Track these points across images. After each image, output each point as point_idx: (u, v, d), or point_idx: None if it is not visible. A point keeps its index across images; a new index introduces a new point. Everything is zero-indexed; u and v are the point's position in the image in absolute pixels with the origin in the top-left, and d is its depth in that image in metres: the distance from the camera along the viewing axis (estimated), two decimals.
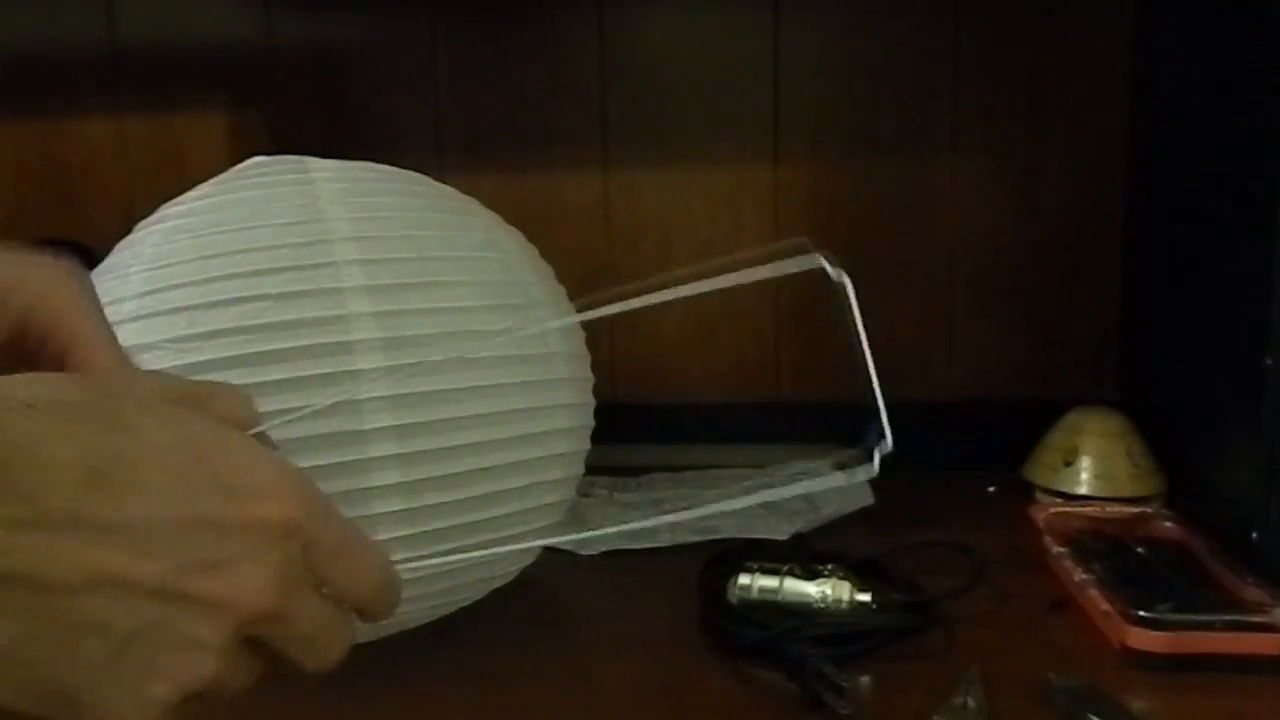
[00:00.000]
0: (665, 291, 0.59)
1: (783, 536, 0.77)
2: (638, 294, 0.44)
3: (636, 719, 0.56)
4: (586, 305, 0.59)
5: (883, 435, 0.47)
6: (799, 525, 0.80)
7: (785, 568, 0.66)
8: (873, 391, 0.46)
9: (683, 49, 1.00)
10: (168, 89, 1.04)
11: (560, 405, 0.61)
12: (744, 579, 0.65)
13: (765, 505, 0.86)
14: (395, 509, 0.54)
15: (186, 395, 0.34)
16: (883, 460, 0.47)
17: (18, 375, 0.30)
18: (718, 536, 0.79)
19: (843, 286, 0.51)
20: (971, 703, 0.54)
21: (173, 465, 0.30)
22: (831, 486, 0.43)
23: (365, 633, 0.61)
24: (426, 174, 0.67)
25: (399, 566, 0.36)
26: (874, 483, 0.87)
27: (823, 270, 0.44)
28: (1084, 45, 0.95)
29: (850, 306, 0.46)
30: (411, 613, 0.60)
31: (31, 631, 0.28)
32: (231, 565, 0.30)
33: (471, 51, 1.02)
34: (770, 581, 0.65)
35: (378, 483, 0.54)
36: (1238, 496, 0.72)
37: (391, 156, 1.11)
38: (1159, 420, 0.85)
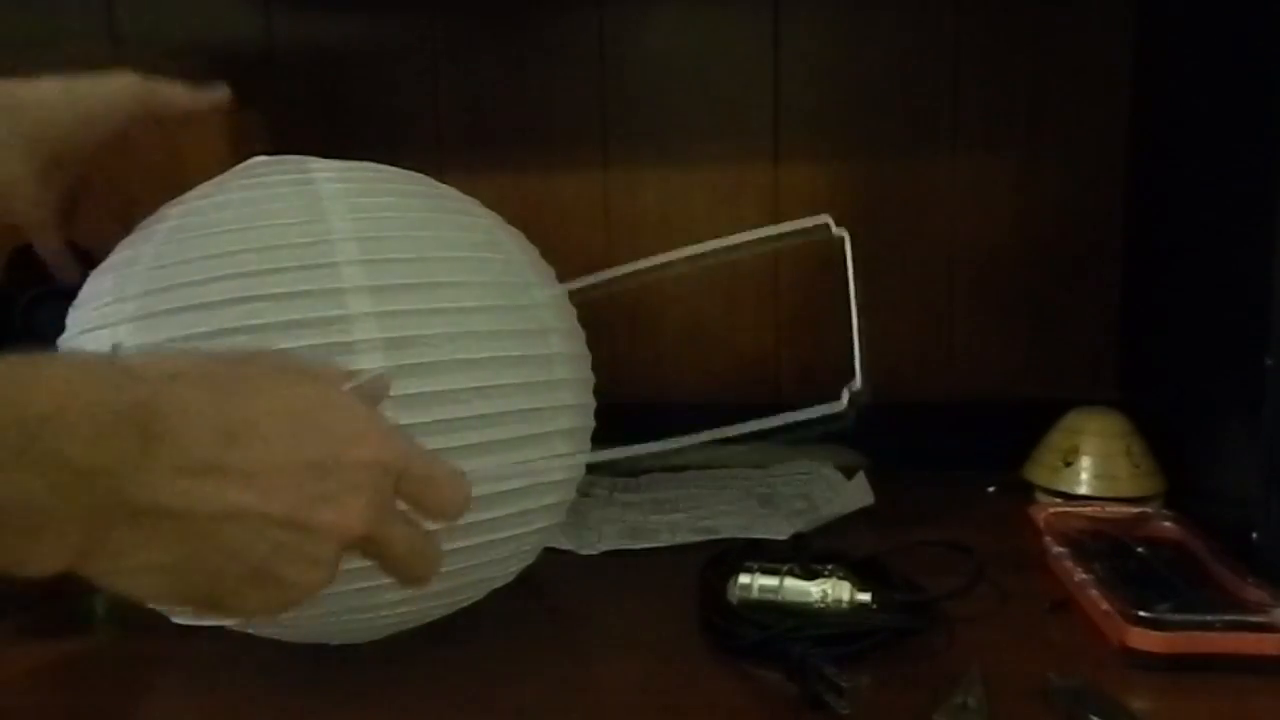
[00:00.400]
0: (673, 255, 0.60)
1: (783, 536, 0.77)
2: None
3: (636, 719, 0.57)
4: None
5: (853, 376, 0.49)
6: (799, 525, 0.80)
7: (785, 568, 0.66)
8: (854, 339, 0.49)
9: (683, 49, 1.00)
10: None
11: (562, 406, 0.61)
12: (744, 579, 0.65)
13: (765, 505, 0.86)
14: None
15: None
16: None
17: (161, 353, 0.40)
18: (718, 536, 0.79)
19: (841, 241, 0.52)
20: (971, 702, 0.54)
21: (288, 421, 0.38)
22: (801, 419, 0.45)
23: (365, 633, 0.61)
24: (426, 174, 0.67)
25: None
26: (874, 483, 0.87)
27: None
28: (1084, 45, 0.95)
29: (846, 261, 0.49)
30: (410, 613, 0.60)
31: (188, 555, 0.36)
32: (337, 499, 0.39)
33: (471, 51, 1.02)
34: (770, 581, 0.65)
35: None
36: (1238, 496, 0.72)
37: (391, 156, 1.11)
38: (1159, 420, 0.85)
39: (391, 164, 0.67)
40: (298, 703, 0.59)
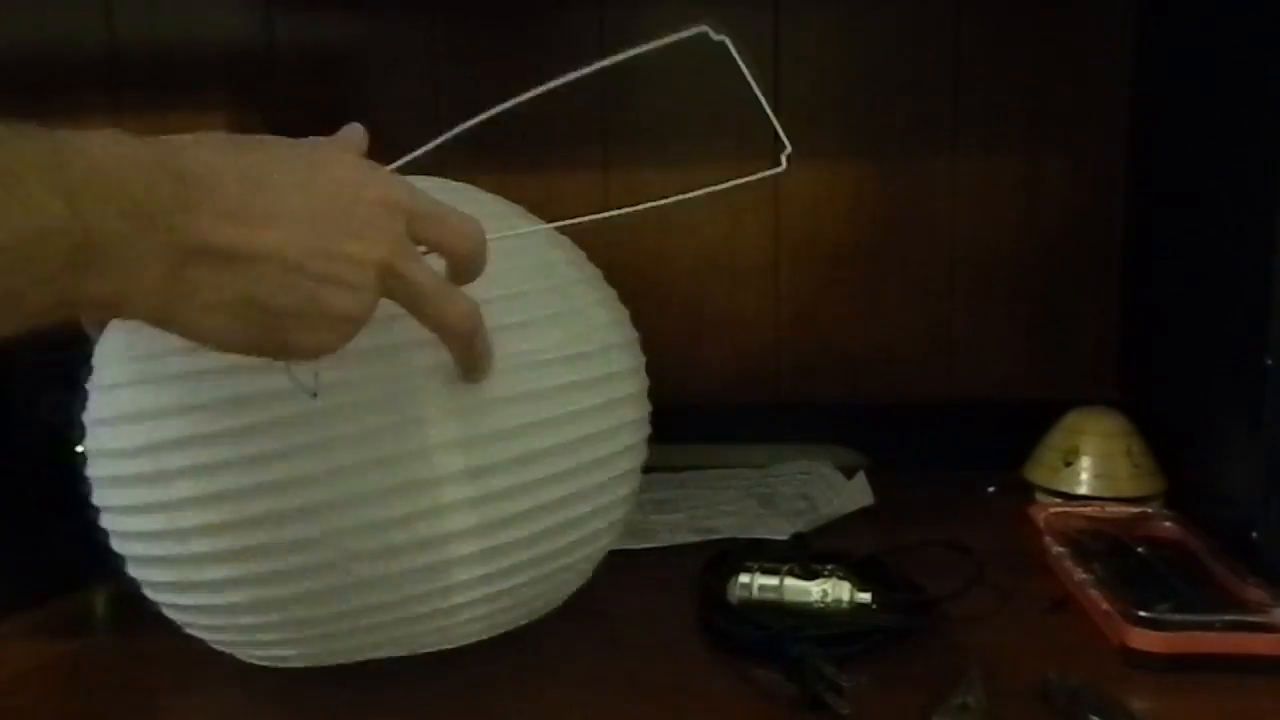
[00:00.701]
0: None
1: (783, 536, 0.77)
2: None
3: (636, 719, 0.57)
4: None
5: (782, 144, 0.50)
6: (799, 525, 0.80)
7: (785, 568, 0.66)
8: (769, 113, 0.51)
9: (683, 49, 1.00)
10: (168, 89, 1.04)
11: (624, 424, 0.61)
12: (744, 579, 0.65)
13: (765, 505, 0.86)
14: (471, 550, 0.53)
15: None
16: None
17: (179, 136, 0.41)
18: (717, 536, 0.79)
19: (723, 44, 0.53)
20: (971, 702, 0.54)
21: (302, 171, 0.42)
22: (741, 182, 0.47)
23: (373, 650, 0.60)
24: (426, 174, 0.67)
25: None
26: (874, 483, 0.87)
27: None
28: (1084, 45, 0.95)
29: (735, 60, 0.51)
30: (472, 631, 0.58)
31: (242, 293, 0.40)
32: (358, 233, 0.43)
33: (471, 51, 1.02)
34: (770, 581, 0.65)
35: (455, 527, 0.52)
36: (1238, 496, 0.72)
37: (391, 156, 1.10)
38: (1159, 420, 0.85)
39: (391, 163, 0.67)
40: (298, 703, 0.59)
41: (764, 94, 0.99)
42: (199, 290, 0.40)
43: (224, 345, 0.42)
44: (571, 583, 0.63)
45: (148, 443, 0.52)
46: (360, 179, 0.44)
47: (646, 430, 0.65)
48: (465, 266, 0.48)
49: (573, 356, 0.57)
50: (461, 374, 0.52)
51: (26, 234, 0.34)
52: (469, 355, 0.50)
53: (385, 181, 0.45)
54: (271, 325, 0.42)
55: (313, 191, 0.42)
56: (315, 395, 0.49)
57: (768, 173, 0.58)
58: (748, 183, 0.60)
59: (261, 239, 0.40)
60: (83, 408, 0.56)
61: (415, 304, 0.46)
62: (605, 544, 0.63)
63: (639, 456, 0.64)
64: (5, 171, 0.33)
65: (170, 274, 0.39)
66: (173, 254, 0.38)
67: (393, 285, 0.45)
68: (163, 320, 0.40)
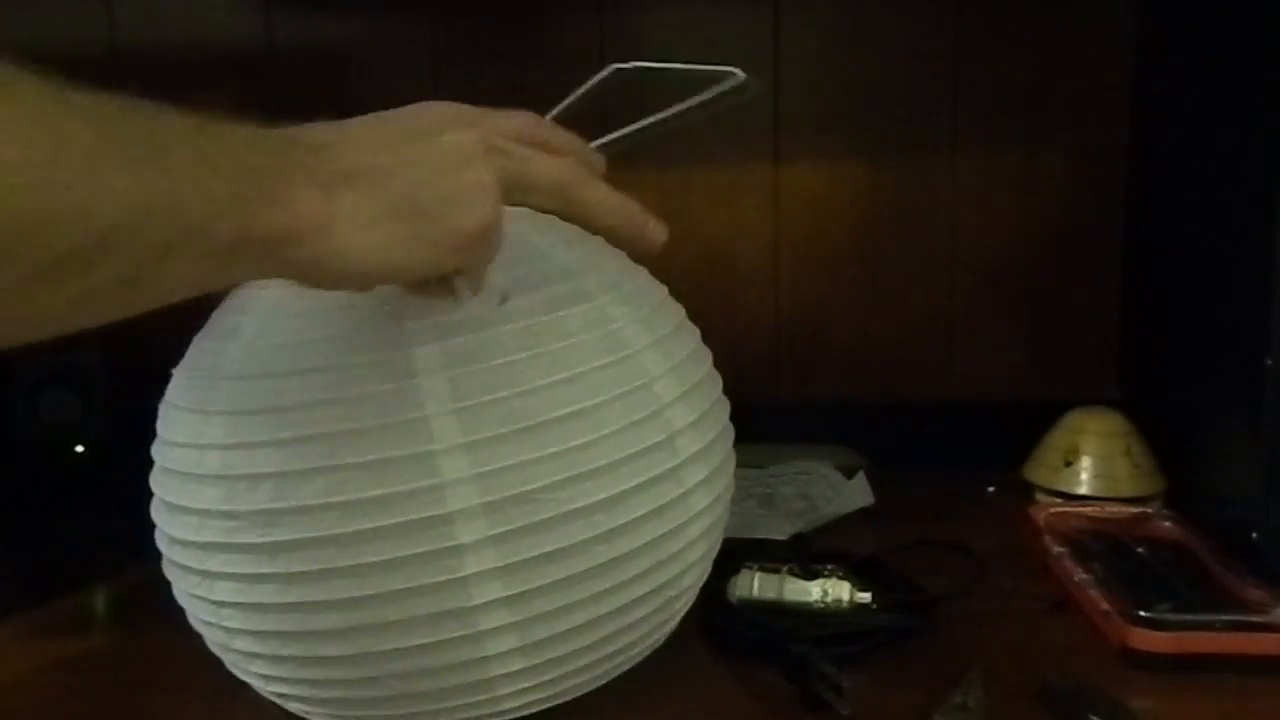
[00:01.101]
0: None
1: (782, 536, 0.77)
2: None
3: (637, 718, 0.56)
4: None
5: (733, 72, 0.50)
6: (799, 525, 0.80)
7: (785, 568, 0.66)
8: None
9: (683, 49, 1.00)
10: (168, 89, 1.03)
11: (694, 514, 0.54)
12: (744, 579, 0.65)
13: (765, 505, 0.86)
14: (512, 669, 0.50)
15: None
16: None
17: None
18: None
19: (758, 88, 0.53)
20: (971, 703, 0.54)
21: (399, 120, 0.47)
22: (707, 98, 0.47)
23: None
24: None
25: None
26: (874, 483, 0.87)
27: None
28: (1084, 45, 0.95)
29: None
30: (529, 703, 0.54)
31: (390, 198, 0.41)
32: (474, 124, 0.48)
33: (471, 51, 1.02)
34: (770, 581, 0.65)
35: (493, 651, 0.49)
36: (1238, 496, 0.72)
37: None
38: (1159, 420, 0.85)
39: None
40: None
41: (763, 93, 0.99)
42: (354, 211, 0.40)
43: (391, 265, 0.42)
44: (640, 648, 0.58)
45: (193, 539, 0.51)
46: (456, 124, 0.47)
47: (722, 515, 0.58)
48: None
49: (633, 456, 0.50)
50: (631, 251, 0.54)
51: (164, 193, 0.34)
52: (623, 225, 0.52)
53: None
54: (427, 218, 0.42)
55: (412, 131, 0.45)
56: (504, 300, 0.49)
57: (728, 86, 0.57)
58: (717, 101, 0.58)
59: (388, 157, 0.42)
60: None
61: (525, 179, 0.47)
62: (659, 640, 0.58)
63: (715, 537, 0.58)
64: (140, 137, 0.35)
65: (325, 199, 0.39)
66: (319, 182, 0.39)
67: (513, 175, 0.46)
68: (329, 253, 0.40)
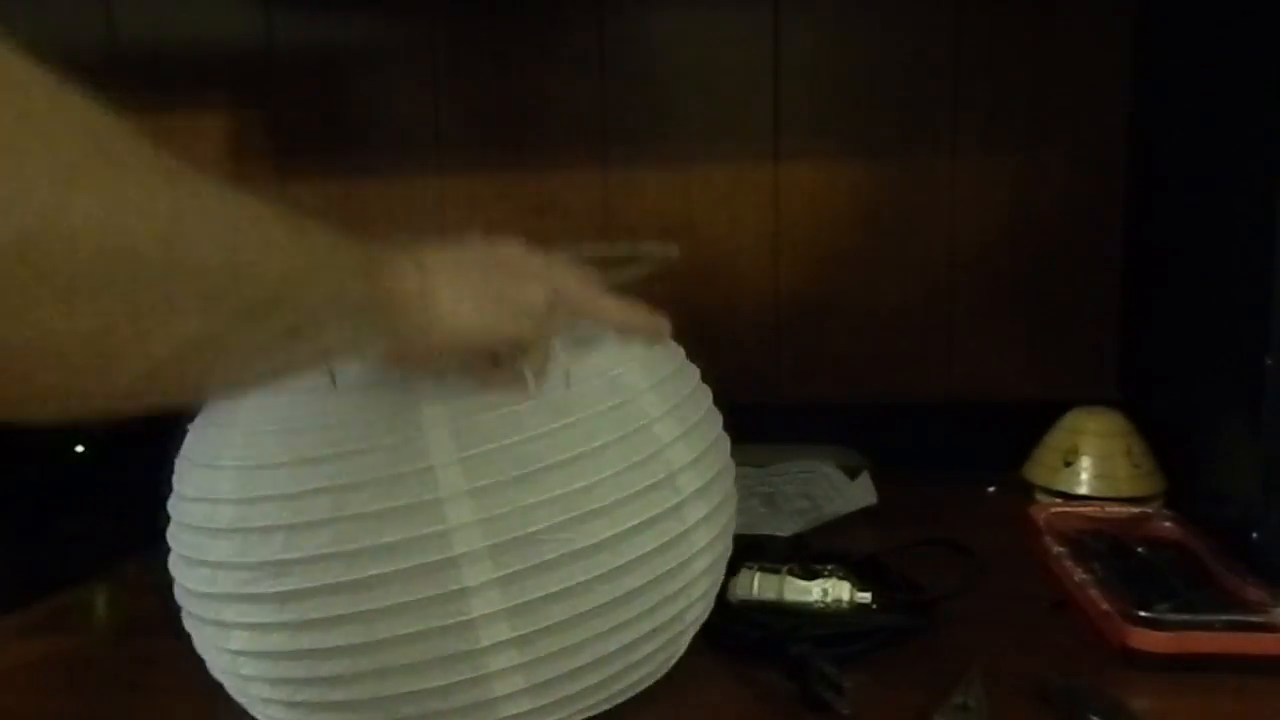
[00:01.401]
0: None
1: (785, 534, 0.77)
2: None
3: (637, 717, 0.57)
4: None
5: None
6: (801, 524, 0.80)
7: (785, 568, 0.66)
8: None
9: (683, 49, 1.00)
10: (168, 89, 1.04)
11: (697, 551, 0.55)
12: (744, 579, 0.65)
13: (767, 504, 0.86)
14: (522, 710, 0.51)
15: None
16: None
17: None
18: None
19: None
20: (971, 703, 0.54)
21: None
22: None
23: None
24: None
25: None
26: (874, 483, 0.87)
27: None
28: (1084, 45, 0.95)
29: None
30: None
31: (472, 277, 0.47)
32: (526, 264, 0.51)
33: (471, 51, 1.02)
34: (771, 581, 0.65)
35: (501, 691, 0.50)
36: (1238, 496, 0.72)
37: (392, 156, 1.11)
38: (1159, 420, 0.85)
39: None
40: None
41: (763, 94, 1.00)
42: (446, 287, 0.46)
43: (485, 326, 0.47)
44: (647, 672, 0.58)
45: (208, 591, 0.52)
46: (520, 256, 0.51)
47: (725, 550, 0.59)
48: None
49: (634, 495, 0.51)
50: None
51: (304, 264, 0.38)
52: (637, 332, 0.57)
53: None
54: (504, 296, 0.48)
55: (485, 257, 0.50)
56: (568, 377, 0.52)
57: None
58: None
59: (465, 258, 0.48)
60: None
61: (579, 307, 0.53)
62: (665, 670, 0.59)
63: (718, 571, 0.59)
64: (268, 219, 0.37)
65: (423, 276, 0.45)
66: (417, 263, 0.45)
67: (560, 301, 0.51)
68: (434, 317, 0.45)
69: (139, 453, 1.06)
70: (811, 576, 0.65)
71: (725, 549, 0.59)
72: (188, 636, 0.59)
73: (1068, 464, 0.85)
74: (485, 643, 0.48)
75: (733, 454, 0.60)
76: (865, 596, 0.64)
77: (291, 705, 0.51)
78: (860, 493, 0.85)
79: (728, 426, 0.63)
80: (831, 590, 0.64)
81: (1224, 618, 0.60)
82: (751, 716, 0.56)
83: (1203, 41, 0.81)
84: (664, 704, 0.57)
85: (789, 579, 0.65)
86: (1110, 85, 0.95)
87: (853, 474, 0.89)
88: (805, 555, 0.69)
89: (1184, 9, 0.84)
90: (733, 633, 0.63)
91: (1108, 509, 0.80)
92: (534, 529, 0.49)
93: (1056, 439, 0.87)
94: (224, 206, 0.35)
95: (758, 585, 0.65)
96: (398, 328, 0.44)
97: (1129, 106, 0.95)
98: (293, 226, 0.38)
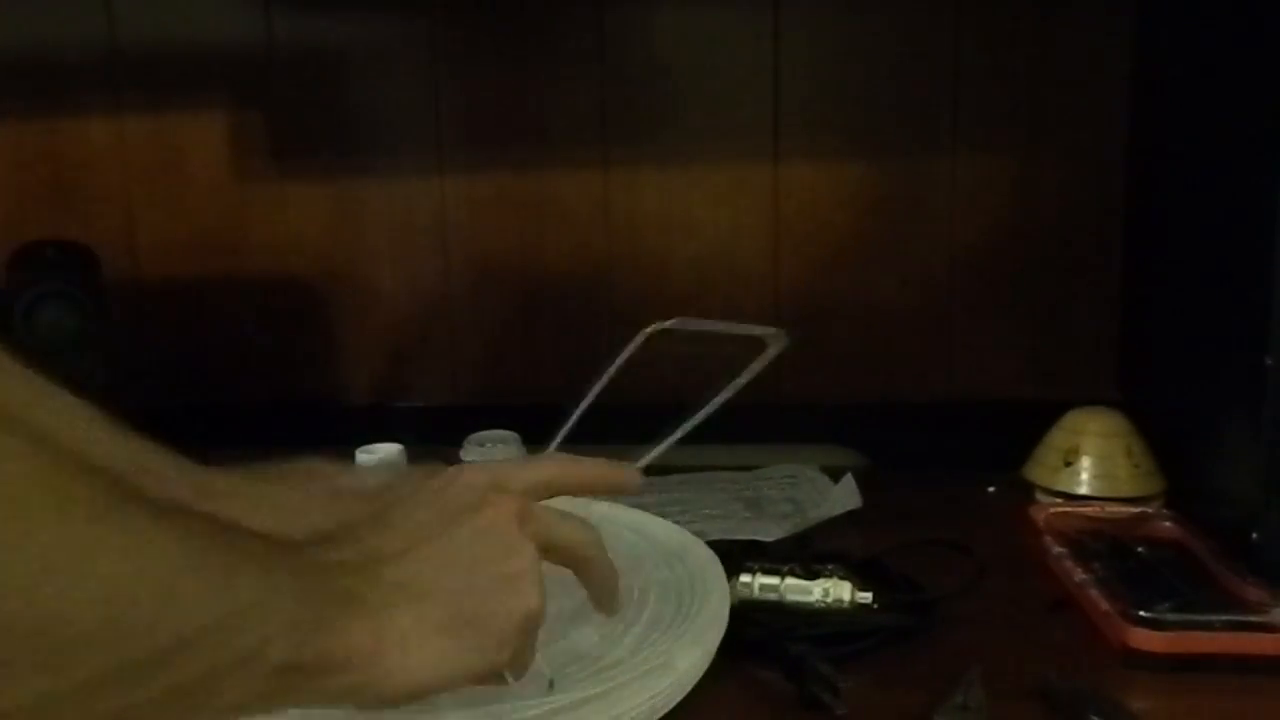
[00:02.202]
0: None
1: (768, 539, 0.77)
2: None
3: None
4: None
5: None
6: (785, 529, 0.79)
7: (786, 568, 0.66)
8: None
9: (683, 49, 1.00)
10: (168, 89, 1.04)
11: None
12: (745, 578, 0.65)
13: (751, 509, 0.86)
14: None
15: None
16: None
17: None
18: (706, 539, 0.78)
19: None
20: (971, 703, 0.54)
21: (406, 487, 0.49)
22: None
23: None
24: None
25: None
26: (874, 483, 0.87)
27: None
28: (1084, 45, 0.95)
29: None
30: None
31: (442, 609, 0.43)
32: (486, 507, 0.46)
33: (471, 52, 1.02)
34: (771, 581, 0.65)
35: None
36: (1238, 496, 0.71)
37: (392, 156, 1.11)
38: (1159, 420, 0.85)
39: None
40: None
41: (763, 94, 1.00)
42: (406, 633, 0.41)
43: (445, 677, 0.43)
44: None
45: None
46: (445, 472, 0.49)
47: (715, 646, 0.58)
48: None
49: None
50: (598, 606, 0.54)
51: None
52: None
53: (458, 469, 0.49)
54: (476, 625, 0.43)
55: (427, 494, 0.47)
56: (551, 685, 0.51)
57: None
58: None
59: (434, 561, 0.44)
60: None
61: (552, 544, 0.49)
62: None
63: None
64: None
65: (375, 628, 0.40)
66: (371, 607, 0.40)
67: (535, 529, 0.48)
68: (379, 676, 0.40)
69: None
70: (812, 576, 0.65)
71: None
72: None
73: (1068, 464, 0.85)
74: None
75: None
76: (866, 597, 0.64)
77: None
78: (844, 496, 0.85)
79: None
80: (832, 590, 0.64)
81: (1224, 618, 0.60)
82: (749, 716, 0.56)
83: (1203, 42, 0.81)
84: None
85: (789, 580, 0.65)
86: (1110, 86, 0.95)
87: (837, 476, 0.88)
88: (806, 555, 0.69)
89: (1184, 8, 0.84)
90: (731, 632, 0.62)
91: (1108, 509, 0.80)
92: None
93: (1056, 439, 0.87)
94: (133, 551, 0.32)
95: (759, 585, 0.65)
96: (328, 689, 0.39)
97: (1129, 107, 0.95)
98: (218, 575, 0.35)
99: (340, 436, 0.94)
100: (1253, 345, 0.68)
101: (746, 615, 0.63)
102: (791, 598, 0.64)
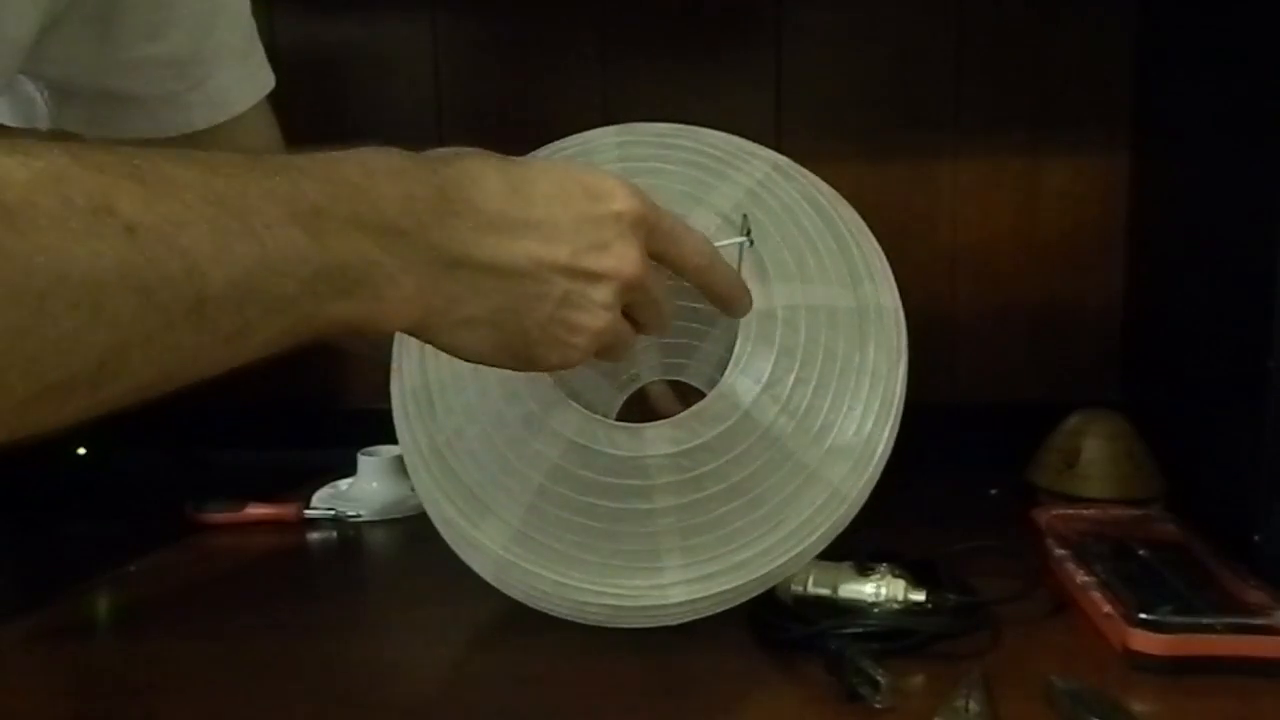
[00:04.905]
0: None
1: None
2: None
3: (677, 706, 0.57)
4: None
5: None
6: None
7: (840, 565, 0.65)
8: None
9: (683, 49, 1.00)
10: None
11: None
12: (799, 575, 0.65)
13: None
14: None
15: None
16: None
17: (439, 149, 0.44)
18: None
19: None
20: (973, 704, 0.54)
21: (556, 181, 0.45)
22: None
23: None
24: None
25: None
26: (876, 483, 0.87)
27: None
28: (1086, 48, 0.95)
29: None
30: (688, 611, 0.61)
31: (497, 307, 0.43)
32: (610, 246, 0.45)
33: (473, 53, 1.02)
34: (827, 576, 0.65)
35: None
36: (1239, 499, 0.71)
37: None
38: (1161, 423, 0.85)
39: None
40: (296, 703, 0.59)
41: (765, 94, 1.00)
42: (456, 304, 0.42)
43: (475, 358, 0.45)
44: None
45: None
46: (611, 190, 0.46)
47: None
48: (698, 280, 0.51)
49: None
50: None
51: (254, 265, 0.34)
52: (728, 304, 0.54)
53: (630, 193, 0.46)
54: (522, 338, 0.44)
55: (569, 203, 0.44)
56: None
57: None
58: None
59: (519, 250, 0.43)
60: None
61: (643, 316, 0.49)
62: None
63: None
64: (234, 203, 0.34)
65: (426, 287, 0.40)
66: (429, 268, 0.40)
67: (632, 299, 0.47)
68: (417, 333, 0.42)
69: (139, 454, 1.06)
70: (867, 574, 0.65)
71: None
72: (190, 638, 0.59)
73: (1070, 466, 0.85)
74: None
75: None
76: (919, 596, 0.64)
77: None
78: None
79: None
80: (886, 589, 0.64)
81: (1225, 620, 0.60)
82: (791, 708, 0.56)
83: (1207, 46, 0.81)
84: (706, 695, 0.58)
85: (844, 575, 0.65)
86: (1113, 88, 0.95)
87: None
88: (860, 554, 0.68)
89: (1188, 14, 0.84)
90: (777, 627, 0.63)
91: (1109, 511, 0.79)
92: None
93: (1058, 441, 0.87)
94: (180, 208, 0.33)
95: (813, 580, 0.65)
96: (365, 335, 0.40)
97: (1132, 108, 0.95)
98: (260, 227, 0.34)
99: (340, 437, 0.94)
100: (1254, 348, 0.68)
101: (793, 611, 0.64)
102: (846, 594, 0.64)
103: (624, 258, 0.45)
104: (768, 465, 0.59)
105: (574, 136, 0.66)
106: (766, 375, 0.59)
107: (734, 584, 0.59)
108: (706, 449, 0.58)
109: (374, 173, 0.39)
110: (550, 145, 0.65)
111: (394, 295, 0.39)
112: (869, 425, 0.62)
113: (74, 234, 0.30)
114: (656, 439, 0.59)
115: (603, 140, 0.65)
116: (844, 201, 0.68)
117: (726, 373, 0.60)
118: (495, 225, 0.42)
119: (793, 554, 0.60)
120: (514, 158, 0.46)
